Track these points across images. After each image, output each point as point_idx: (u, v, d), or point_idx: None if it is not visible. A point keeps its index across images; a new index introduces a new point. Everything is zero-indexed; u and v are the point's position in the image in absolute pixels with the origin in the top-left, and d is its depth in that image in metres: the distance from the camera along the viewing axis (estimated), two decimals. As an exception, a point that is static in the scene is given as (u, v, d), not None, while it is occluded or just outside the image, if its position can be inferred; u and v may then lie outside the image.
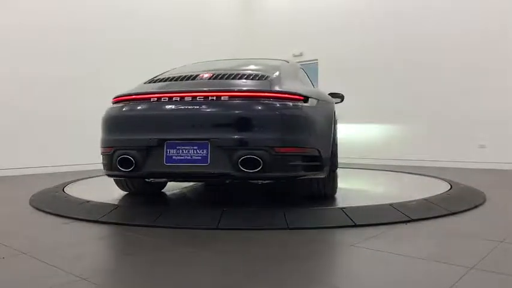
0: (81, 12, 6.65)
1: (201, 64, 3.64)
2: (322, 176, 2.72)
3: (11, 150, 5.69)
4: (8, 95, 5.75)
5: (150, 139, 2.52)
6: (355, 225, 2.40)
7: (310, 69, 8.51)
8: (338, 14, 8.35)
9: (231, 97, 2.47)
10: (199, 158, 2.44)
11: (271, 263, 1.78)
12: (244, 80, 2.71)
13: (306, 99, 2.60)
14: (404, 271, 1.69)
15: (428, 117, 7.26)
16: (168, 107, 2.54)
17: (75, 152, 6.06)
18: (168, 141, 2.50)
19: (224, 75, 2.81)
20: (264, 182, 2.61)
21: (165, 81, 2.93)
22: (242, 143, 2.41)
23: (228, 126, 2.46)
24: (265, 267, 1.72)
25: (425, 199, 2.96)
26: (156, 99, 2.59)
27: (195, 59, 4.29)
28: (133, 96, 2.71)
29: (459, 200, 3.14)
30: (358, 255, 1.91)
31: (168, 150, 2.50)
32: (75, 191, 3.55)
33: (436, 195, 3.16)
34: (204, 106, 2.47)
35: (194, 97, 2.50)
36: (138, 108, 2.65)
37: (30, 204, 3.25)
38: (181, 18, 8.14)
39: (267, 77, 2.76)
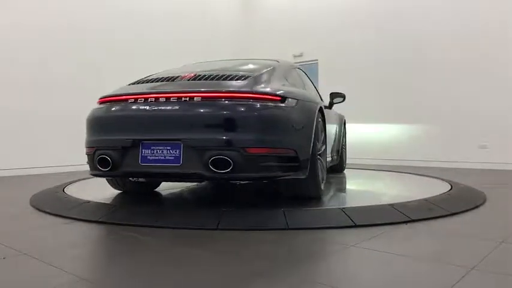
0: (81, 12, 6.65)
1: (196, 64, 3.65)
2: (301, 177, 2.70)
3: (11, 150, 5.69)
4: (8, 95, 5.75)
5: (126, 139, 2.57)
6: (355, 226, 2.40)
7: (310, 69, 8.54)
8: (338, 14, 8.35)
9: (203, 98, 2.50)
10: (172, 158, 2.47)
11: (271, 264, 1.78)
12: (222, 81, 2.73)
13: (283, 99, 2.59)
14: (405, 271, 1.69)
15: (428, 117, 7.27)
16: (144, 108, 2.57)
17: (75, 152, 6.03)
18: (143, 142, 2.55)
19: (206, 76, 2.83)
20: (242, 182, 2.62)
21: (148, 82, 2.98)
22: (213, 144, 2.42)
23: (199, 126, 2.47)
24: (265, 268, 1.72)
25: (425, 199, 2.96)
26: (133, 100, 2.64)
27: (195, 59, 4.30)
28: (114, 98, 2.76)
29: (459, 200, 3.14)
30: (358, 256, 1.91)
31: (143, 150, 2.54)
32: (75, 191, 3.55)
33: (436, 196, 3.16)
34: (177, 107, 2.50)
35: (168, 98, 2.53)
36: (117, 109, 2.71)
37: (31, 204, 3.25)
38: (182, 18, 8.14)
39: (247, 77, 2.77)
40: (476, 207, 3.03)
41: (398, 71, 7.56)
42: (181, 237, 2.25)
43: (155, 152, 2.52)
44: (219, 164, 2.40)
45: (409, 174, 5.10)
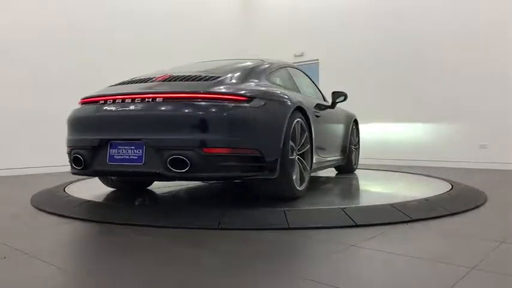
0: (81, 12, 6.65)
1: (182, 65, 3.65)
2: (271, 177, 2.70)
3: (11, 150, 5.69)
4: (8, 95, 5.76)
5: (95, 139, 2.68)
6: (356, 225, 2.40)
7: (310, 69, 8.54)
8: (339, 14, 8.36)
9: (164, 99, 2.55)
10: (136, 157, 2.55)
11: (272, 263, 1.78)
12: (186, 82, 2.77)
13: (249, 99, 2.60)
14: (405, 271, 1.70)
15: (429, 116, 7.27)
16: (112, 109, 2.66)
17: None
18: (111, 142, 2.64)
19: (177, 77, 2.89)
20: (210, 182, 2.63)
21: (126, 83, 3.08)
22: (171, 143, 2.46)
23: (160, 127, 2.52)
24: (266, 267, 1.72)
25: (426, 199, 2.96)
26: (103, 101, 2.74)
27: (195, 59, 4.30)
28: (90, 99, 2.87)
29: (460, 200, 3.14)
30: (358, 255, 1.91)
31: (111, 150, 2.64)
32: (75, 190, 3.56)
33: (437, 195, 3.16)
34: (140, 108, 2.57)
35: (133, 99, 2.61)
36: (89, 110, 2.82)
37: (31, 204, 3.25)
38: (182, 18, 8.14)
39: (216, 78, 2.79)
40: (477, 207, 3.04)
41: (398, 71, 7.56)
42: (181, 237, 2.25)
43: (121, 151, 2.61)
44: (177, 163, 2.44)
45: (408, 174, 5.11)
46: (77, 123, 2.88)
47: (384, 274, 1.67)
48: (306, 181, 3.10)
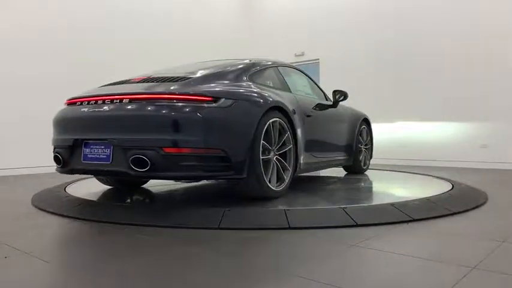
0: (81, 13, 6.65)
1: (177, 66, 3.65)
2: (239, 177, 2.71)
3: (11, 150, 5.69)
4: (8, 95, 5.76)
5: (71, 139, 2.82)
6: (357, 225, 2.40)
7: (311, 69, 8.54)
8: (339, 14, 8.35)
9: (130, 100, 2.61)
10: (105, 156, 2.65)
11: (272, 263, 1.78)
12: (159, 83, 2.83)
13: (215, 100, 2.62)
14: (406, 271, 1.70)
15: (429, 116, 7.26)
16: (86, 110, 2.77)
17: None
18: (85, 141, 2.76)
19: (153, 78, 2.97)
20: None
21: (108, 85, 3.17)
22: (134, 143, 2.53)
23: (124, 127, 2.59)
24: (267, 267, 1.72)
25: (426, 199, 2.96)
26: (80, 103, 2.87)
27: (195, 60, 4.30)
28: (72, 100, 2.98)
29: (461, 199, 3.14)
30: (359, 255, 1.91)
31: (85, 149, 2.76)
32: (76, 190, 3.56)
33: (437, 195, 3.16)
34: (109, 108, 2.66)
35: (104, 100, 2.71)
36: (70, 111, 2.94)
37: (32, 204, 3.25)
38: (182, 19, 8.14)
39: (187, 78, 2.83)
40: (478, 206, 3.03)
41: (398, 71, 7.56)
42: (181, 237, 2.25)
43: (93, 150, 2.72)
44: (139, 162, 2.49)
45: (409, 174, 5.10)
46: (58, 124, 3.01)
47: (384, 274, 1.67)
48: (287, 181, 3.07)
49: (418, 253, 1.92)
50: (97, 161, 2.68)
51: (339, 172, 5.02)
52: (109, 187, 3.73)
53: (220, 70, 3.10)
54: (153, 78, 2.99)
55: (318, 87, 4.41)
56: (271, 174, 2.92)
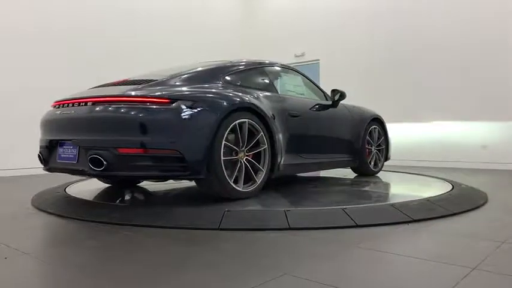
0: (81, 13, 6.66)
1: (165, 69, 3.63)
2: (198, 177, 2.76)
3: (11, 151, 5.70)
4: (8, 95, 5.76)
5: (48, 140, 3.05)
6: (357, 226, 2.40)
7: (311, 69, 8.54)
8: (339, 14, 8.35)
9: (93, 102, 2.77)
10: (72, 156, 2.83)
11: (272, 264, 1.78)
12: (119, 86, 2.99)
13: (171, 101, 2.68)
14: (406, 271, 1.69)
15: (429, 117, 7.26)
16: (60, 112, 2.95)
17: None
18: (60, 142, 2.95)
19: (127, 81, 3.11)
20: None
21: (91, 88, 3.29)
22: (92, 143, 2.69)
23: (86, 128, 2.77)
24: (267, 268, 1.72)
25: (426, 199, 2.96)
26: (58, 105, 3.05)
27: (195, 60, 4.30)
28: (56, 103, 3.12)
29: (461, 200, 3.14)
30: (359, 256, 1.90)
31: (59, 149, 2.96)
32: (76, 191, 3.56)
33: (437, 196, 3.15)
34: (76, 111, 2.83)
35: (73, 103, 2.89)
36: (51, 113, 3.10)
37: (32, 204, 3.25)
38: (182, 19, 8.14)
39: (153, 81, 2.96)
40: (478, 207, 3.03)
41: (398, 71, 7.55)
42: (182, 237, 2.25)
43: (65, 151, 2.91)
44: (96, 162, 2.62)
45: (409, 174, 5.10)
46: (41, 125, 3.21)
47: (384, 274, 1.67)
48: (259, 182, 3.05)
49: (418, 254, 1.91)
50: (67, 160, 2.86)
51: (346, 173, 4.90)
52: (109, 188, 3.73)
53: (193, 72, 3.18)
54: (128, 81, 3.11)
55: (318, 87, 4.35)
56: (240, 174, 2.93)
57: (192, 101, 2.75)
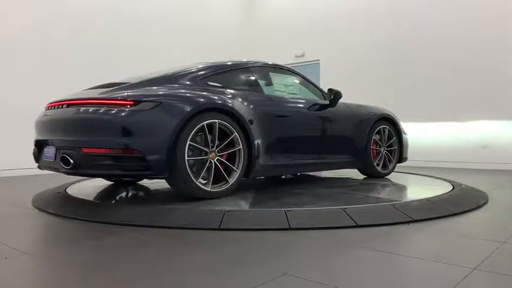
0: (81, 13, 6.66)
1: (155, 71, 3.69)
2: (161, 177, 2.85)
3: (11, 151, 5.70)
4: (8, 95, 5.77)
5: (36, 140, 3.26)
6: (357, 226, 2.40)
7: (311, 69, 8.54)
8: (339, 14, 8.35)
9: (68, 105, 2.94)
10: (51, 155, 2.99)
11: (272, 263, 1.78)
12: (103, 88, 3.12)
13: (135, 103, 2.77)
14: (407, 272, 1.69)
15: (429, 117, 7.25)
16: (47, 113, 3.12)
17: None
18: (46, 142, 3.10)
19: (106, 84, 3.26)
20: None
21: (83, 90, 3.43)
22: (62, 144, 2.88)
23: (59, 129, 2.96)
24: (266, 268, 1.72)
25: (427, 199, 2.96)
26: (47, 108, 3.22)
27: (195, 60, 4.30)
28: (47, 105, 3.25)
29: (461, 200, 3.14)
30: (360, 256, 1.90)
31: (45, 149, 3.12)
32: (77, 191, 3.56)
33: (438, 196, 3.15)
34: (54, 113, 3.02)
35: (55, 106, 3.06)
36: (41, 114, 3.27)
37: (33, 204, 3.25)
38: (182, 19, 8.14)
39: (125, 84, 3.11)
40: (479, 207, 3.03)
41: (398, 71, 7.55)
42: (182, 238, 2.25)
43: (48, 150, 3.07)
44: (65, 160, 2.79)
45: (409, 175, 5.09)
46: (34, 126, 3.34)
47: (384, 274, 1.67)
48: (231, 182, 3.06)
49: (418, 254, 1.91)
50: (49, 159, 3.03)
51: (351, 174, 4.81)
52: (109, 188, 3.73)
53: (169, 75, 3.28)
54: (107, 84, 3.25)
55: (316, 86, 4.23)
56: (209, 174, 2.95)
57: (156, 102, 2.81)
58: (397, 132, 4.62)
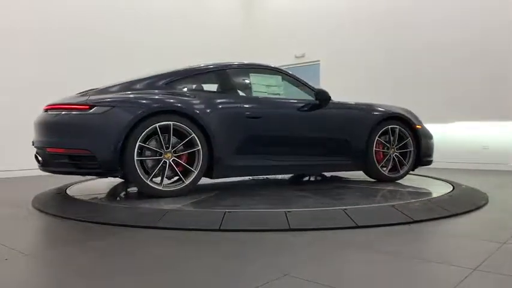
0: (81, 15, 6.67)
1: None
2: (116, 175, 3.12)
3: (12, 151, 5.70)
4: (8, 95, 5.77)
5: (33, 141, 3.42)
6: (357, 226, 2.40)
7: (311, 70, 8.54)
8: (340, 15, 8.35)
9: (46, 109, 3.25)
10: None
11: (272, 264, 1.78)
12: (77, 94, 3.40)
13: (90, 107, 3.03)
14: (406, 272, 1.69)
15: (430, 118, 7.24)
16: (39, 117, 3.32)
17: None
18: (33, 142, 3.33)
19: (85, 91, 3.48)
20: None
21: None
22: (37, 144, 3.22)
23: (36, 131, 3.24)
24: (266, 268, 1.72)
25: (427, 200, 2.96)
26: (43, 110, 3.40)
27: (195, 60, 4.30)
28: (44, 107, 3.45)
29: (462, 201, 3.14)
30: (359, 256, 1.90)
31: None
32: (77, 192, 3.56)
33: (438, 197, 3.15)
34: (39, 116, 3.28)
35: (44, 110, 3.31)
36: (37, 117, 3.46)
37: (33, 205, 3.25)
38: (182, 20, 8.14)
39: (91, 90, 3.40)
40: (479, 208, 3.03)
41: (398, 71, 7.55)
42: (182, 239, 2.25)
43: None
44: (36, 159, 3.22)
45: (409, 175, 5.08)
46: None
47: (385, 275, 1.67)
48: (187, 182, 3.16)
49: (418, 254, 1.91)
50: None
51: (354, 175, 4.70)
52: (109, 189, 3.73)
53: (135, 80, 3.50)
54: (90, 89, 3.49)
55: (308, 86, 4.01)
56: (162, 174, 3.10)
57: (109, 106, 3.04)
58: (413, 133, 4.21)
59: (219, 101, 3.48)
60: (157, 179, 3.12)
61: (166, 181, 3.18)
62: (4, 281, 1.63)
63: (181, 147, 3.17)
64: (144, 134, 3.01)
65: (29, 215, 2.98)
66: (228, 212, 2.54)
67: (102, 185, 3.87)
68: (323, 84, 8.12)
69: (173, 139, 3.13)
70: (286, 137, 3.74)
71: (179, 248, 2.11)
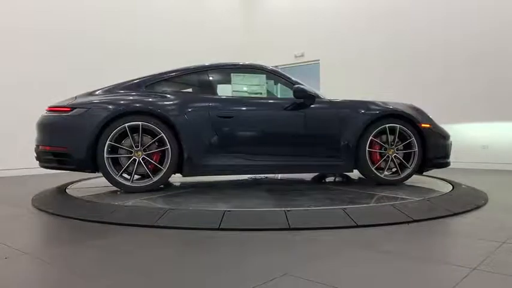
0: (80, 14, 6.66)
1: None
2: (91, 172, 3.38)
3: (11, 151, 5.70)
4: (8, 95, 5.77)
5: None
6: (357, 226, 2.40)
7: (311, 70, 8.55)
8: (339, 14, 8.36)
9: (45, 111, 3.56)
10: None
11: (272, 264, 1.78)
12: (72, 96, 3.68)
13: (71, 109, 3.38)
14: (406, 272, 1.69)
15: (432, 117, 7.25)
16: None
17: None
18: None
19: (87, 92, 3.77)
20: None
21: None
22: (35, 142, 3.54)
23: (37, 131, 3.56)
24: (266, 268, 1.72)
25: (427, 199, 2.96)
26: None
27: (195, 61, 4.30)
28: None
29: (461, 200, 3.14)
30: (359, 256, 1.90)
31: None
32: (77, 191, 3.56)
33: (438, 196, 3.15)
34: (40, 117, 3.58)
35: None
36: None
37: (32, 204, 3.26)
38: (182, 19, 8.14)
39: (88, 92, 3.70)
40: (478, 207, 3.03)
41: (398, 71, 7.55)
42: (182, 238, 2.25)
43: None
44: (34, 155, 3.54)
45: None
46: None
47: (384, 274, 1.67)
48: (155, 179, 3.38)
49: (418, 254, 1.91)
50: None
51: (356, 176, 4.67)
52: (109, 188, 3.72)
53: (118, 83, 3.74)
54: (87, 92, 3.74)
55: (290, 82, 3.84)
56: (132, 171, 3.35)
57: (86, 108, 3.36)
58: (419, 132, 3.89)
59: (191, 101, 3.61)
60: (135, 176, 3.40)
61: (136, 177, 3.43)
62: (4, 279, 1.63)
63: (155, 145, 3.40)
64: (115, 133, 3.29)
65: (28, 214, 2.98)
66: (228, 211, 2.54)
67: (102, 184, 3.86)
68: (323, 84, 8.15)
69: (147, 138, 3.39)
70: (262, 137, 3.66)
71: (179, 247, 2.11)
